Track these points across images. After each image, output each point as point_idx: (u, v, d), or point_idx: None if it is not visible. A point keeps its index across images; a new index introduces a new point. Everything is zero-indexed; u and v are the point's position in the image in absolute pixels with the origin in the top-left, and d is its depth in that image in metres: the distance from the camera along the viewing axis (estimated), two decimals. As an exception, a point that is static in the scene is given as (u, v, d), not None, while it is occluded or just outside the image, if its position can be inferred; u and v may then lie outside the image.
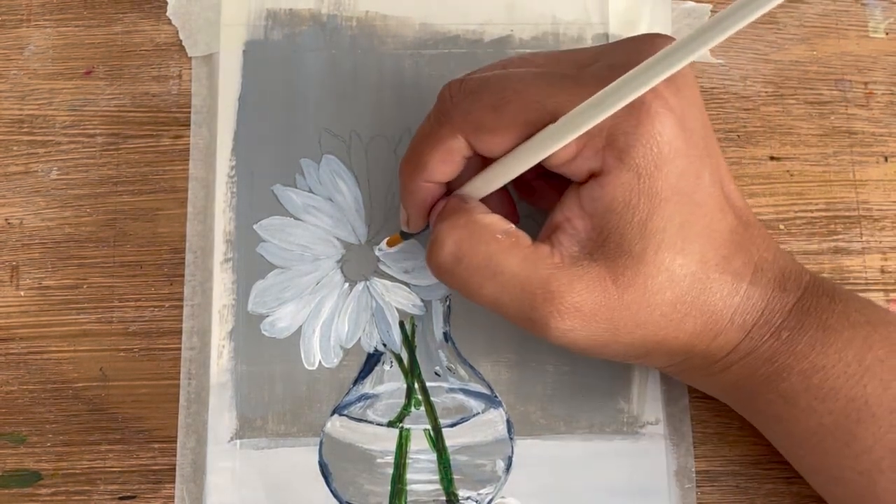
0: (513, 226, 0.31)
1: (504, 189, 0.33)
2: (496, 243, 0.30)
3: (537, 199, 0.35)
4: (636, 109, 0.28)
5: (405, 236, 0.35)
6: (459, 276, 0.30)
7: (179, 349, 0.36)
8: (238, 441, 0.35)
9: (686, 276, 0.29)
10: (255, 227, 0.37)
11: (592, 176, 0.30)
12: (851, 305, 0.30)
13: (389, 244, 0.36)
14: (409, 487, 0.34)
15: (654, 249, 0.29)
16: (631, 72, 0.27)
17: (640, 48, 0.29)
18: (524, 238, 0.30)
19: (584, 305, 0.29)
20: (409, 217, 0.33)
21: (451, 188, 0.33)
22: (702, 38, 0.26)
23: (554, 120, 0.29)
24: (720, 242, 0.30)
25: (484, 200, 0.32)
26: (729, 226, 0.30)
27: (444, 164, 0.31)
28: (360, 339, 0.36)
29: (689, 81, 0.30)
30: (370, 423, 0.35)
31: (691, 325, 0.30)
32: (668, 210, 0.29)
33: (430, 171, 0.31)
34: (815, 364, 0.30)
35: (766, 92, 0.39)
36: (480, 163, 0.32)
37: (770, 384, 0.30)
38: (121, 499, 0.35)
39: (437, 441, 0.35)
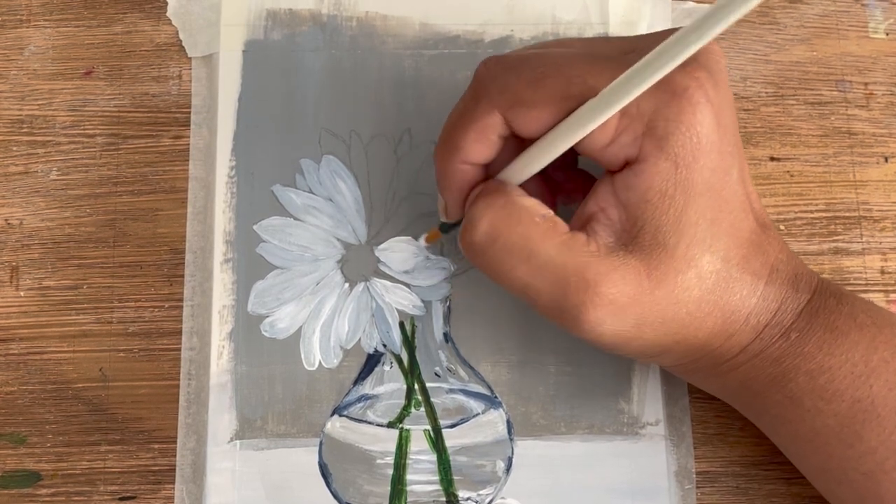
0: (550, 211, 0.30)
1: (544, 182, 0.33)
2: (534, 226, 0.29)
3: (560, 193, 0.34)
4: (678, 98, 0.28)
5: (445, 229, 0.34)
6: (493, 257, 0.30)
7: (179, 350, 0.36)
8: (238, 441, 0.35)
9: (712, 274, 0.29)
10: (254, 227, 0.36)
11: (628, 164, 0.29)
12: (857, 307, 0.30)
13: (428, 240, 0.36)
14: (409, 488, 0.34)
15: (687, 244, 0.29)
16: (675, 35, 0.26)
17: None
18: (561, 225, 0.30)
19: (618, 298, 0.29)
20: (447, 203, 0.33)
21: (489, 175, 0.32)
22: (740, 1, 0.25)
23: (594, 95, 0.28)
24: (741, 242, 0.30)
25: (527, 188, 0.31)
26: (749, 226, 0.30)
27: (480, 143, 0.30)
28: (360, 339, 0.36)
29: (724, 78, 0.29)
30: (370, 423, 0.35)
31: (711, 325, 0.30)
32: (702, 204, 0.29)
33: (465, 151, 0.31)
34: (821, 365, 0.29)
35: (766, 92, 0.39)
36: (518, 149, 0.31)
37: (776, 385, 0.30)
38: (121, 499, 0.35)
39: (437, 442, 0.35)
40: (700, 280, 0.29)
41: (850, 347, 0.29)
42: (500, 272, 0.30)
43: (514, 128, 0.30)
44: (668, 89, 0.28)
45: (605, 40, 0.31)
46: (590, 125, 0.28)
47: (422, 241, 0.36)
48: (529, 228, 0.29)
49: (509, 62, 0.30)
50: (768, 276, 0.30)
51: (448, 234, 0.35)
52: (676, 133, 0.28)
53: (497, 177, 0.32)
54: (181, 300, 0.36)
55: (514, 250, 0.29)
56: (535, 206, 0.30)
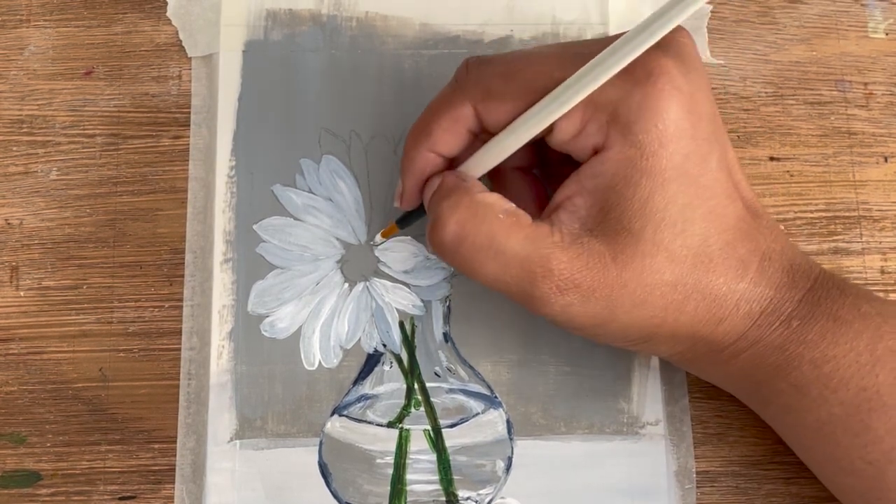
0: (512, 205, 0.31)
1: (533, 175, 0.33)
2: (498, 223, 0.30)
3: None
4: (642, 85, 0.28)
5: (401, 225, 0.35)
6: (462, 256, 0.31)
7: (179, 349, 0.36)
8: (238, 441, 0.35)
9: (687, 258, 0.29)
10: (254, 227, 0.37)
11: (595, 153, 0.30)
12: (861, 298, 0.30)
13: (384, 234, 0.36)
14: (408, 488, 0.34)
15: (654, 228, 0.29)
16: (632, 30, 0.28)
17: None
18: (524, 217, 0.30)
19: (583, 281, 0.29)
20: (404, 188, 0.33)
21: (453, 166, 0.33)
22: None
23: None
24: (724, 228, 0.30)
25: (512, 186, 0.33)
26: (736, 212, 0.30)
27: (450, 133, 0.31)
28: (359, 339, 0.36)
29: (698, 66, 0.30)
30: (370, 423, 0.35)
31: (692, 309, 0.30)
32: (671, 190, 0.29)
33: (434, 139, 0.32)
34: (826, 353, 0.30)
35: (765, 92, 0.39)
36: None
37: (780, 373, 0.30)
38: (120, 499, 0.35)
39: (436, 441, 0.35)
40: (672, 263, 0.29)
41: (855, 336, 0.29)
42: (472, 269, 0.31)
43: (484, 121, 0.31)
44: (631, 78, 0.29)
45: (585, 40, 0.32)
46: (550, 116, 0.29)
47: (378, 238, 0.36)
48: (493, 226, 0.30)
49: (486, 59, 0.31)
50: (758, 263, 0.30)
51: (404, 228, 0.35)
52: (640, 121, 0.29)
53: (461, 167, 0.32)
54: (181, 300, 0.36)
55: (482, 248, 0.30)
56: (498, 202, 0.31)
